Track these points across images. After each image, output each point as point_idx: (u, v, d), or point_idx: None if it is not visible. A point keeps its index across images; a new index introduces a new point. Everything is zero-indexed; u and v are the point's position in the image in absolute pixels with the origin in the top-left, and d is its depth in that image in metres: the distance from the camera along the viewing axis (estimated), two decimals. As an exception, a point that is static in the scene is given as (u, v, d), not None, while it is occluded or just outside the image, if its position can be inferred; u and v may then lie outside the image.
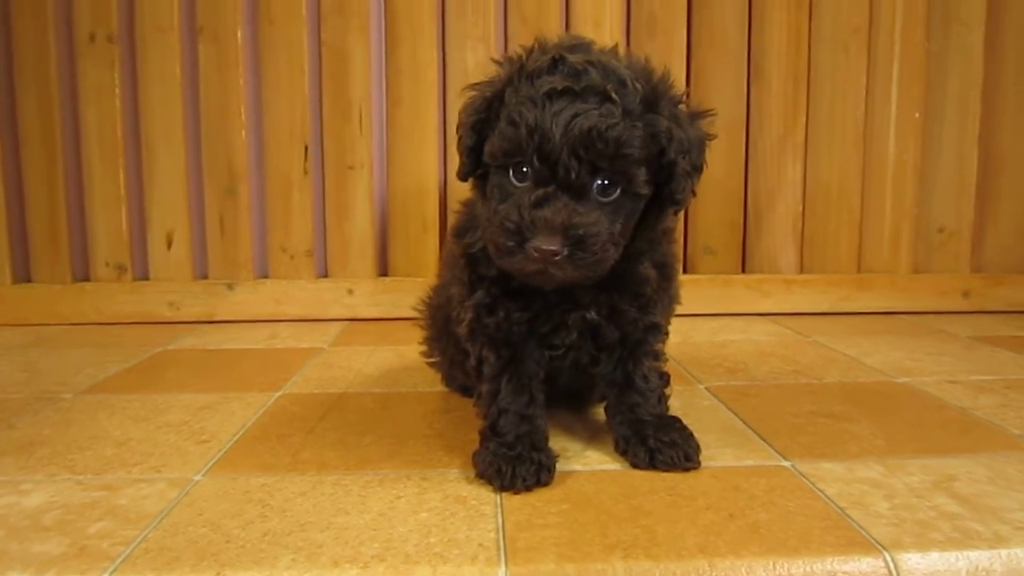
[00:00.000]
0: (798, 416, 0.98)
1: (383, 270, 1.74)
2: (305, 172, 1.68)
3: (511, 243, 0.69)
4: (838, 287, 1.74)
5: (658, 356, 0.86)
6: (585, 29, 1.66)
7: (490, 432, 0.80)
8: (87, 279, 1.71)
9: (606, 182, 0.71)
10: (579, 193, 0.70)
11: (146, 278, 1.71)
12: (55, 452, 0.87)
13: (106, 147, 1.66)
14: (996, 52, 1.72)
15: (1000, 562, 0.61)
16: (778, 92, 1.71)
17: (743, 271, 1.76)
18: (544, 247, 0.67)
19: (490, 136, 0.73)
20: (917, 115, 1.71)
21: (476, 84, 0.78)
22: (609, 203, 0.71)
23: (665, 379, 0.87)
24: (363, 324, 1.66)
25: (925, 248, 1.77)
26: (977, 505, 0.70)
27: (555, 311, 0.79)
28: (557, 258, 0.68)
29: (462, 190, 0.87)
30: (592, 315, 0.80)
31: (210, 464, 0.83)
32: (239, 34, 1.64)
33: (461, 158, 0.78)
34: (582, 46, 0.74)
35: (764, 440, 0.89)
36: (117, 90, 1.64)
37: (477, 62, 1.66)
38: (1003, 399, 1.05)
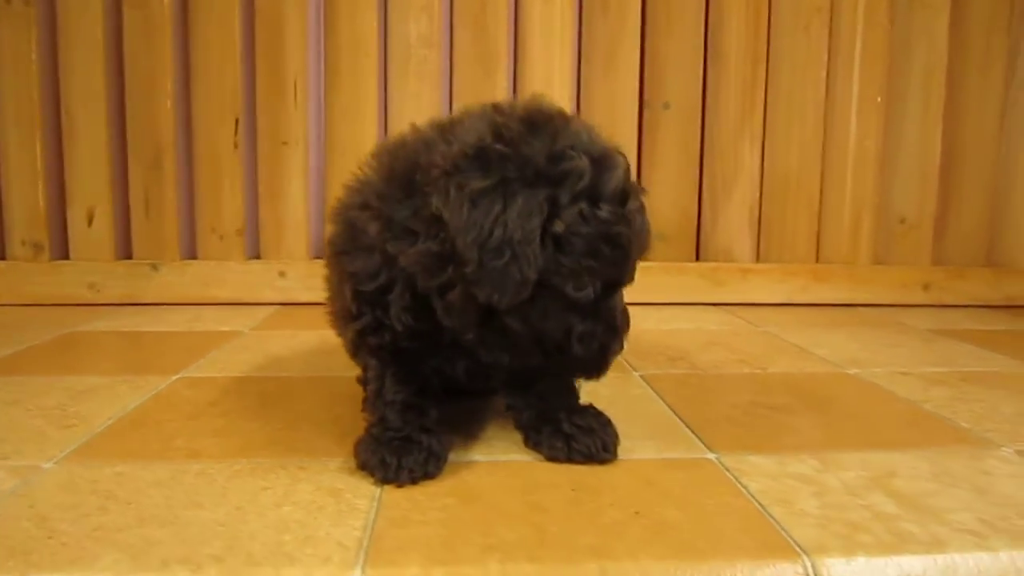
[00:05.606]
0: (735, 407, 0.90)
1: (318, 252, 1.64)
2: (235, 146, 1.58)
3: None
4: (796, 277, 1.66)
5: None
6: (535, 5, 1.58)
7: (378, 424, 0.71)
8: (2, 258, 1.59)
9: None
10: None
11: (65, 257, 1.60)
12: None
13: (23, 117, 1.54)
14: (961, 37, 1.66)
15: (936, 568, 0.54)
16: (736, 74, 1.64)
17: (697, 259, 1.68)
18: None
19: None
20: (879, 99, 1.64)
21: None
22: None
23: None
24: (296, 308, 1.56)
25: (885, 239, 1.70)
26: (916, 504, 0.63)
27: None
28: None
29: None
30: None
31: (68, 451, 0.73)
32: (166, -2, 1.54)
33: None
34: None
35: (692, 431, 0.81)
36: (34, 55, 1.53)
37: (420, 33, 1.57)
38: (956, 392, 0.98)
